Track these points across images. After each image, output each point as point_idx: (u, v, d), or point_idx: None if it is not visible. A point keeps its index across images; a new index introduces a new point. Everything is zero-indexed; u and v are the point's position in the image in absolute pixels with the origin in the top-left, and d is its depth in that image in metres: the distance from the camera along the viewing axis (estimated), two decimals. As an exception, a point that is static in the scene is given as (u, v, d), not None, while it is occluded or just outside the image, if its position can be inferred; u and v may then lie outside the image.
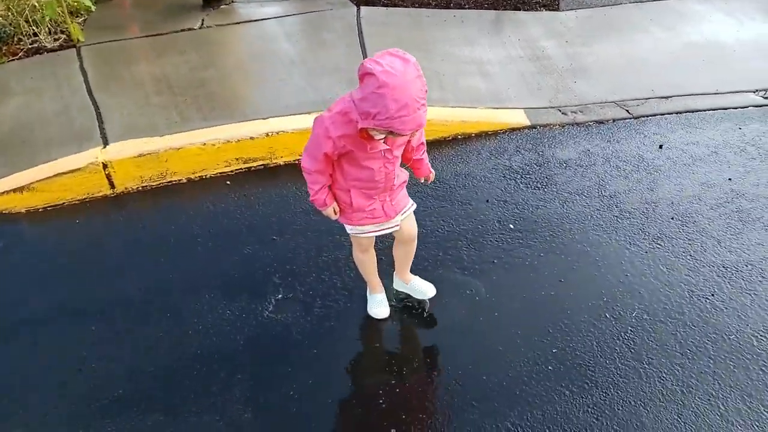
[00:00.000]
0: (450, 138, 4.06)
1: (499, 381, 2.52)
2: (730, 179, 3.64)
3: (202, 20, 5.25)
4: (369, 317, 2.80)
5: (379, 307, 2.77)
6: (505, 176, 3.68)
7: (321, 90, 4.19)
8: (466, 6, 5.75)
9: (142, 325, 2.79)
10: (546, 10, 5.76)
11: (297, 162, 3.80)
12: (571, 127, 4.12)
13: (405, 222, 2.49)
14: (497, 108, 4.27)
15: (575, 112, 4.29)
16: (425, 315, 2.82)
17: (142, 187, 3.64)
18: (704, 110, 4.32)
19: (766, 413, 2.38)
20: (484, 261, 3.08)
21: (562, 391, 2.47)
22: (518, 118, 4.20)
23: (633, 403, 2.42)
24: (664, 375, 2.53)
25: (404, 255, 2.71)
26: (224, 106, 4.04)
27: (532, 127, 4.14)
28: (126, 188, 3.64)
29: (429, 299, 2.83)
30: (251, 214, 3.40)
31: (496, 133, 4.08)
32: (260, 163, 3.79)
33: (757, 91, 4.57)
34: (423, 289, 2.81)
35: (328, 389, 2.51)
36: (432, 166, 2.53)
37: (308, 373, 2.56)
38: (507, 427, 2.35)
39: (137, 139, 3.70)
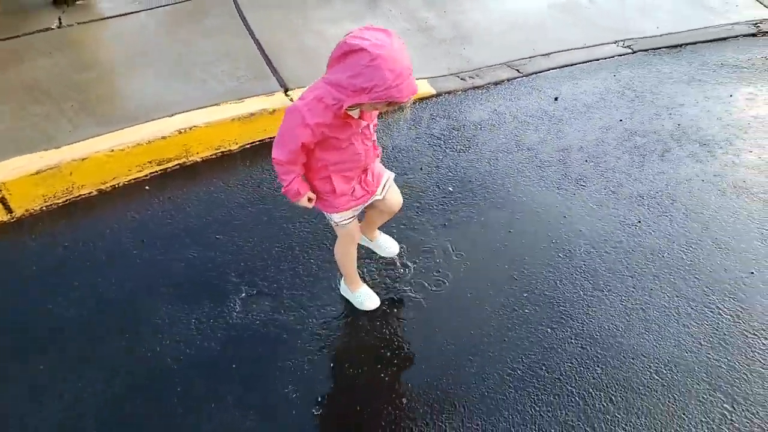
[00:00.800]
0: (364, 113, 4.07)
1: (486, 332, 2.62)
2: (621, 120, 4.04)
3: (59, 19, 4.73)
4: (344, 299, 2.76)
5: (370, 299, 2.72)
6: (430, 144, 3.77)
7: (221, 79, 3.99)
8: (341, -16, 5.72)
9: (99, 349, 2.52)
10: (416, -18, 5.91)
11: (215, 156, 3.61)
12: (473, 91, 4.31)
13: (390, 193, 2.48)
14: (401, 80, 4.33)
15: (472, 77, 4.48)
16: (396, 274, 2.84)
17: (47, 207, 3.25)
18: (581, 63, 4.72)
19: (710, 313, 2.72)
20: (437, 224, 3.16)
21: (544, 330, 2.64)
22: (424, 87, 4.30)
23: (607, 326, 2.65)
24: (623, 297, 2.79)
25: (379, 218, 2.68)
26: (119, 107, 3.71)
27: (438, 95, 4.28)
28: (27, 211, 3.23)
29: (396, 257, 2.86)
30: (183, 216, 3.18)
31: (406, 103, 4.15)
32: (176, 163, 3.54)
33: (617, 42, 5.08)
34: (389, 246, 2.82)
35: (325, 382, 2.45)
36: None
37: (301, 368, 2.48)
38: (507, 371, 2.47)
39: (31, 155, 3.29)
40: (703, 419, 2.30)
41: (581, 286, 2.84)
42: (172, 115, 3.62)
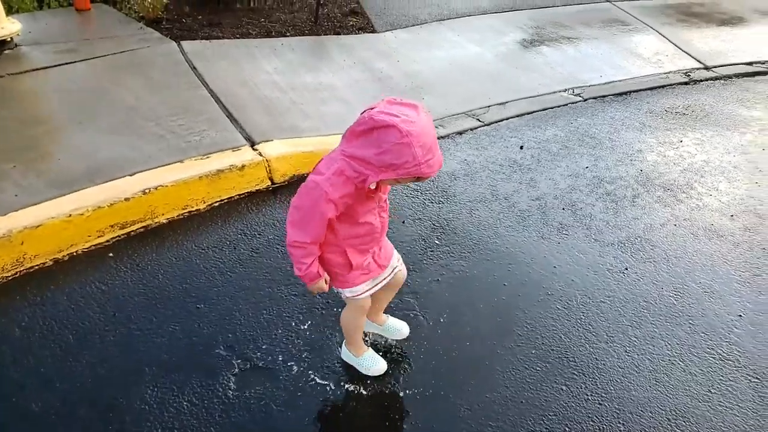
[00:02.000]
0: (335, 166, 3.94)
1: (502, 394, 2.50)
2: (587, 167, 4.13)
3: (-10, 70, 4.37)
4: (347, 365, 2.57)
5: (378, 363, 2.54)
6: (407, 195, 3.69)
7: (180, 134, 3.76)
8: (288, 34, 5.68)
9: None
10: (364, 32, 5.95)
11: (182, 216, 3.36)
12: (440, 141, 4.28)
13: (399, 272, 2.38)
14: (367, 131, 4.26)
15: (437, 126, 4.48)
16: (398, 350, 2.69)
17: (-7, 280, 2.88)
18: (538, 111, 4.85)
19: (712, 359, 2.73)
20: (430, 281, 3.05)
21: (559, 388, 2.55)
22: (391, 138, 4.24)
23: (618, 380, 2.60)
24: (628, 348, 2.76)
25: (386, 297, 2.57)
26: (69, 167, 3.39)
27: (407, 145, 4.22)
28: (-30, 286, 2.85)
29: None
30: (157, 285, 2.90)
31: (376, 156, 4.07)
32: (140, 225, 3.26)
33: (566, 90, 5.27)
34: (398, 327, 2.69)
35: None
36: None
37: (313, 444, 2.26)
38: (531, 437, 2.35)
39: (-26, 223, 2.92)
40: (732, 472, 2.27)
41: (586, 339, 2.79)
42: (133, 174, 3.35)
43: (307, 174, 3.76)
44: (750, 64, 6.02)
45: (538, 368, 2.63)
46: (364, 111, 1.84)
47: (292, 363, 2.57)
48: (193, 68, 4.63)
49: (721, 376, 2.65)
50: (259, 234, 3.28)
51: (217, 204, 3.50)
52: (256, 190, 3.66)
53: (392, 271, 2.36)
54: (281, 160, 3.74)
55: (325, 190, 1.88)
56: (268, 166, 3.68)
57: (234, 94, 4.36)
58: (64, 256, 3.04)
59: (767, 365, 2.71)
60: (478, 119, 4.65)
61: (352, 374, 2.54)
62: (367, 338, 2.69)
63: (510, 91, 5.06)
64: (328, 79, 4.87)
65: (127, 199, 3.17)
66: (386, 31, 5.98)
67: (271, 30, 5.73)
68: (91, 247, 3.10)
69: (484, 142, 4.36)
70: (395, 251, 2.39)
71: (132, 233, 3.20)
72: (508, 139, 4.41)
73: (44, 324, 2.64)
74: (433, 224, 3.45)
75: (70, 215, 3.03)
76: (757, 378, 2.65)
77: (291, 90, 4.61)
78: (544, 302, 2.98)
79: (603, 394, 2.53)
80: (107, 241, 3.14)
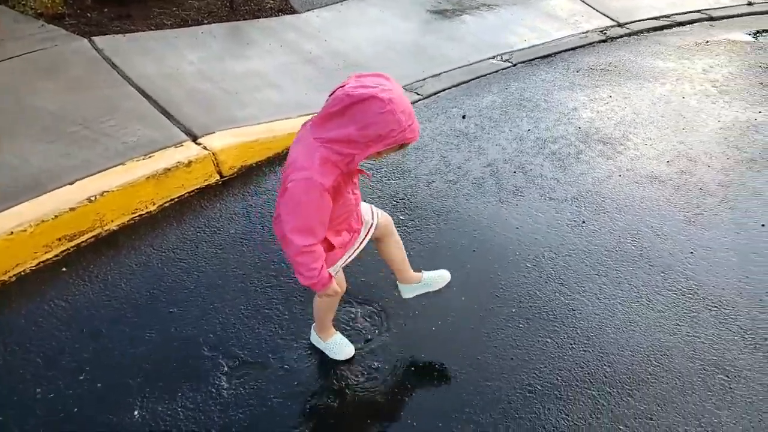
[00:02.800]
0: (283, 152, 3.86)
1: (493, 354, 2.55)
2: (529, 130, 4.24)
3: None
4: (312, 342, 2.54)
5: (345, 347, 2.52)
6: (361, 176, 3.65)
7: (115, 135, 3.55)
8: (205, 21, 5.45)
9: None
10: (284, 14, 5.80)
11: (133, 221, 3.19)
12: (385, 117, 4.27)
13: (381, 215, 2.32)
14: (309, 114, 4.16)
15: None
16: (385, 327, 2.68)
17: (-65, 312, 2.64)
18: (472, 79, 4.92)
19: (674, 295, 2.90)
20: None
21: (544, 341, 2.63)
22: (334, 119, 4.19)
23: (597, 326, 2.71)
24: (600, 295, 2.88)
25: (398, 249, 2.47)
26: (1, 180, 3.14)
27: (351, 124, 4.18)
28: None
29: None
30: (122, 294, 2.75)
31: (323, 138, 4.02)
32: (90, 235, 3.06)
33: (494, 56, 5.37)
34: (440, 276, 2.63)
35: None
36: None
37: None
38: (527, 390, 2.42)
39: None
40: (709, 392, 2.43)
41: (560, 292, 2.89)
42: (73, 183, 3.14)
43: (256, 164, 3.64)
44: (657, 18, 6.36)
45: (521, 326, 2.70)
46: (333, 91, 1.77)
47: (281, 354, 2.51)
48: (113, 65, 4.36)
49: (685, 309, 2.82)
50: (219, 230, 3.17)
51: (167, 204, 3.34)
52: (206, 185, 3.52)
53: (369, 228, 2.28)
54: (227, 151, 3.61)
55: (321, 182, 1.77)
56: (215, 159, 3.55)
57: (163, 88, 4.15)
58: (10, 277, 2.82)
59: (721, 293, 2.91)
60: (416, 93, 4.67)
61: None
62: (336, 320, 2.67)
63: (442, 63, 5.11)
64: (256, 66, 4.72)
65: (72, 209, 2.97)
66: (307, 11, 5.86)
67: (187, 19, 5.47)
68: (39, 264, 2.89)
69: (427, 114, 4.38)
70: (364, 204, 2.29)
71: (82, 244, 3.01)
72: (450, 109, 4.46)
73: (6, 350, 2.45)
74: (395, 201, 3.45)
75: (12, 233, 2.80)
76: (715, 306, 2.84)
77: (221, 79, 4.44)
78: (514, 262, 3.05)
79: (585, 341, 2.64)
80: (56, 255, 2.94)
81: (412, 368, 2.49)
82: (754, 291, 2.91)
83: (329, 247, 2.09)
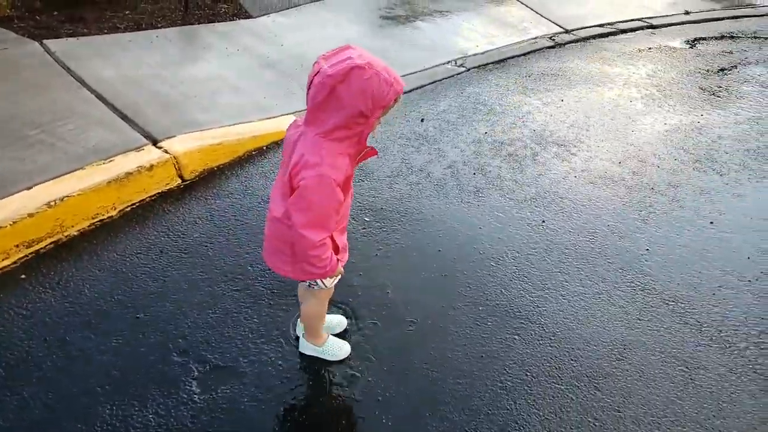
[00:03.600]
0: (245, 155, 3.83)
1: (463, 353, 2.61)
2: (485, 133, 4.34)
3: None
4: (305, 353, 2.55)
5: (342, 346, 2.53)
6: (327, 177, 3.67)
7: (72, 140, 3.44)
8: (160, 25, 5.36)
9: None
10: (239, 18, 5.76)
11: (93, 227, 3.11)
12: (346, 120, 4.30)
13: None
14: (270, 118, 4.17)
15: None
16: (355, 329, 2.70)
17: None
18: (428, 84, 5.00)
19: (632, 290, 3.03)
20: (369, 257, 3.08)
21: (512, 338, 2.71)
22: (295, 122, 4.18)
23: (561, 322, 2.80)
24: (562, 292, 2.98)
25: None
26: (-49, 187, 3.00)
27: (312, 128, 4.18)
28: None
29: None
30: (85, 300, 2.67)
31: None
32: (49, 241, 2.96)
33: (449, 62, 5.47)
34: (338, 321, 2.67)
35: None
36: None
37: (296, 434, 2.23)
38: (498, 386, 2.48)
39: None
40: (671, 383, 2.55)
41: (524, 289, 2.97)
42: (30, 188, 3.03)
43: (218, 167, 3.62)
44: (602, 25, 6.61)
45: (489, 323, 2.77)
46: (310, 81, 1.76)
47: (252, 358, 2.49)
48: (67, 69, 4.23)
49: (644, 304, 2.95)
50: (183, 234, 3.12)
51: (129, 209, 3.27)
52: (167, 189, 3.46)
53: None
54: (189, 155, 3.56)
55: (333, 178, 1.77)
56: (177, 163, 3.49)
57: (120, 92, 4.06)
58: (-36, 286, 2.70)
59: (676, 288, 3.05)
60: (375, 96, 4.69)
61: (313, 359, 2.52)
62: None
63: (399, 67, 5.15)
64: (215, 69, 4.67)
65: (30, 215, 2.87)
66: (262, 15, 5.83)
67: (141, 22, 5.36)
68: (-6, 272, 2.78)
69: (386, 118, 4.41)
70: None
71: (41, 250, 2.91)
72: (408, 113, 4.52)
73: (-38, 363, 2.34)
74: (359, 203, 3.47)
75: (-34, 240, 2.69)
76: (672, 301, 2.98)
77: (180, 83, 4.37)
78: (479, 261, 3.12)
79: (551, 337, 2.72)
80: (14, 262, 2.83)
81: (384, 368, 2.52)
82: (707, 285, 3.07)
83: (335, 247, 2.06)
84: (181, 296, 2.74)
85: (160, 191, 3.41)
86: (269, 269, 2.75)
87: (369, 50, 1.81)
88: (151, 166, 3.35)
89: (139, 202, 3.32)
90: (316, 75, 1.74)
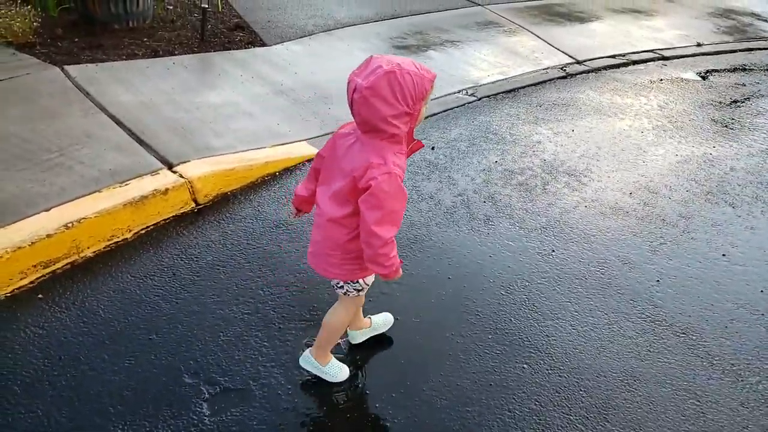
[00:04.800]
0: (259, 181, 3.88)
1: (471, 380, 2.60)
2: (496, 161, 4.38)
3: None
4: (315, 377, 2.56)
5: (342, 369, 2.56)
6: (339, 203, 3.71)
7: (90, 163, 3.52)
8: (176, 52, 5.47)
9: None
10: (254, 46, 5.87)
11: (109, 248, 3.16)
12: (358, 147, 4.35)
13: None
14: (283, 144, 4.23)
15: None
16: (362, 354, 2.71)
17: None
18: (440, 112, 5.06)
19: (643, 322, 3.01)
20: (381, 284, 3.08)
21: (521, 367, 2.70)
22: (305, 149, 4.24)
23: (571, 352, 2.80)
24: (572, 322, 2.97)
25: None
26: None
27: (325, 154, 4.24)
28: None
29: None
30: (100, 321, 2.71)
31: (297, 167, 4.06)
32: (66, 262, 3.01)
33: (460, 91, 5.54)
34: (385, 320, 2.80)
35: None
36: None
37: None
38: (507, 415, 2.47)
39: None
40: (682, 417, 2.53)
41: (533, 318, 2.97)
42: (49, 210, 3.10)
43: (231, 192, 3.68)
44: (614, 56, 6.67)
45: (497, 351, 2.77)
46: (350, 99, 1.89)
47: (262, 381, 2.51)
48: (86, 94, 4.33)
49: (654, 336, 2.94)
50: (196, 257, 3.16)
51: (143, 231, 3.32)
52: (181, 213, 3.51)
53: None
54: (203, 180, 3.62)
55: (399, 174, 1.94)
56: (191, 187, 3.55)
57: (137, 117, 4.14)
58: (-18, 305, 2.75)
59: (688, 320, 3.04)
60: (387, 124, 4.75)
61: (323, 383, 2.53)
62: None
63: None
64: (229, 96, 4.76)
65: (49, 236, 2.93)
66: (276, 44, 5.94)
67: (158, 49, 5.48)
68: (14, 290, 2.82)
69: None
70: None
71: (58, 271, 2.96)
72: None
73: (-23, 381, 2.37)
74: (370, 228, 3.50)
75: (-14, 259, 2.74)
76: (683, 333, 2.96)
77: (195, 109, 4.46)
78: (488, 289, 3.13)
79: (561, 367, 2.72)
80: (31, 282, 2.88)
81: (393, 395, 2.52)
82: (719, 318, 3.05)
83: None
84: (193, 319, 2.77)
85: (174, 214, 3.46)
86: (281, 293, 2.79)
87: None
88: (166, 190, 3.40)
89: (154, 225, 3.37)
90: (354, 92, 1.87)
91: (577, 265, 3.37)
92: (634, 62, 6.72)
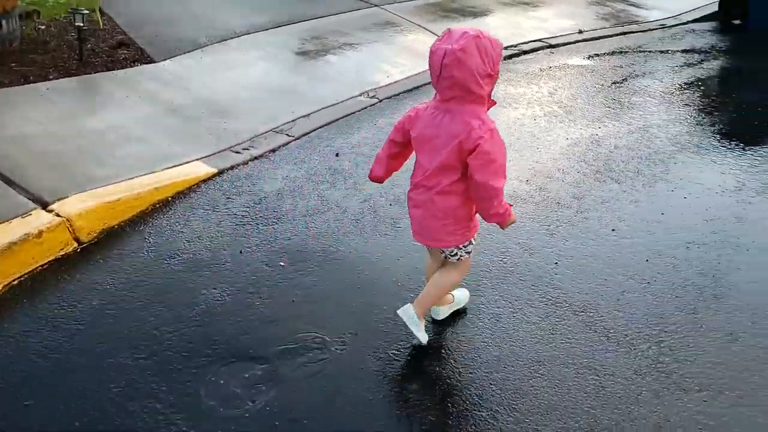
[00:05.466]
0: (149, 209, 3.68)
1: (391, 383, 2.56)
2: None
3: None
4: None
5: (464, 290, 3.01)
6: (236, 224, 3.58)
7: None
8: (51, 77, 5.10)
9: None
10: (141, 64, 5.59)
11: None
12: (255, 162, 4.24)
13: None
14: (174, 166, 4.04)
15: (247, 149, 4.41)
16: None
17: None
18: (341, 117, 5.01)
19: (545, 305, 3.06)
20: (284, 302, 2.99)
21: (433, 368, 2.68)
22: (201, 168, 4.08)
23: (481, 344, 2.80)
24: (479, 315, 2.98)
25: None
26: None
27: (220, 173, 4.10)
28: None
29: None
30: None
31: (191, 190, 3.89)
32: None
33: (361, 93, 5.50)
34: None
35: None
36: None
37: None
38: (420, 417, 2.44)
39: None
40: (584, 393, 2.57)
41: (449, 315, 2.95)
42: None
43: (119, 225, 3.49)
44: (506, 48, 6.81)
45: (410, 357, 2.73)
46: (439, 64, 2.16)
47: (162, 431, 2.34)
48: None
49: (556, 318, 2.99)
50: (80, 303, 2.94)
51: (15, 282, 3.05)
52: (62, 255, 3.26)
53: None
54: (84, 216, 3.39)
55: (496, 129, 2.24)
56: (71, 225, 3.32)
57: (3, 154, 3.82)
58: None
59: (585, 298, 3.10)
60: (287, 134, 4.67)
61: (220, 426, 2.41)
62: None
63: (311, 103, 5.15)
64: (114, 120, 4.51)
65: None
66: (165, 59, 5.68)
67: (29, 75, 5.07)
68: None
69: (300, 155, 4.39)
70: None
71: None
72: (322, 149, 4.50)
73: None
74: (272, 247, 3.40)
75: None
76: (582, 311, 3.03)
77: (74, 138, 4.19)
78: (397, 294, 3.07)
79: (471, 364, 2.71)
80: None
81: (305, 408, 2.43)
82: (612, 292, 3.15)
83: (472, 209, 2.49)
84: (79, 374, 2.55)
85: (53, 258, 3.22)
86: (178, 330, 2.64)
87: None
88: (40, 233, 3.16)
89: (29, 273, 3.11)
90: (444, 57, 2.13)
91: (481, 255, 3.38)
92: (525, 52, 6.93)
